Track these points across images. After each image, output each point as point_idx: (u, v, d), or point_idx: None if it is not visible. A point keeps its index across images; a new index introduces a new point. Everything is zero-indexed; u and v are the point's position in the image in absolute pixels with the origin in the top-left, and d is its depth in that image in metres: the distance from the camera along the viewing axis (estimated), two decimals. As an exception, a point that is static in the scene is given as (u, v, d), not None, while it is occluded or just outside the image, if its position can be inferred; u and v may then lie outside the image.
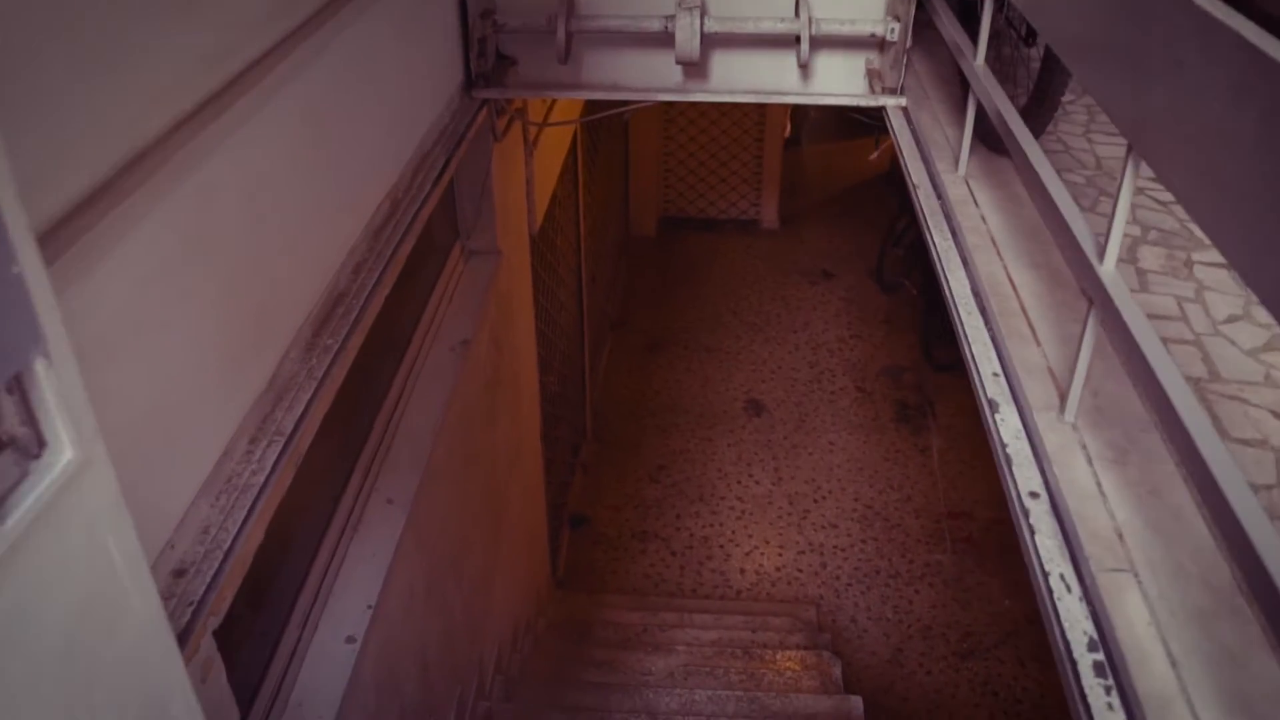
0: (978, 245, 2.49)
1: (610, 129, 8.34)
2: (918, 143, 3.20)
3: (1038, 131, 2.77)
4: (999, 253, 2.48)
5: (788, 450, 7.37)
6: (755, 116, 9.75)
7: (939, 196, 2.79)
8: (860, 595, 6.29)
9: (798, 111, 11.19)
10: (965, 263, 2.49)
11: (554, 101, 4.88)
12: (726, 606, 6.09)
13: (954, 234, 2.61)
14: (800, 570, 6.44)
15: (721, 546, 6.61)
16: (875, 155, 5.84)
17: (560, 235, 6.19)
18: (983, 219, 2.63)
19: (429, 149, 2.99)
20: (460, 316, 3.70)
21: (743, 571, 6.44)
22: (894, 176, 10.74)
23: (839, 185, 11.19)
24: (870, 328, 8.72)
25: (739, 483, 7.08)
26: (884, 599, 6.27)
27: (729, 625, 5.57)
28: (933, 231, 2.65)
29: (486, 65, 3.65)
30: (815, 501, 6.93)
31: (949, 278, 2.45)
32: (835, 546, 6.61)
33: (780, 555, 6.54)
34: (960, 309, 2.34)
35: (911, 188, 2.94)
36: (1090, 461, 1.84)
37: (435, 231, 3.79)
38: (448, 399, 3.33)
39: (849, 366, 8.23)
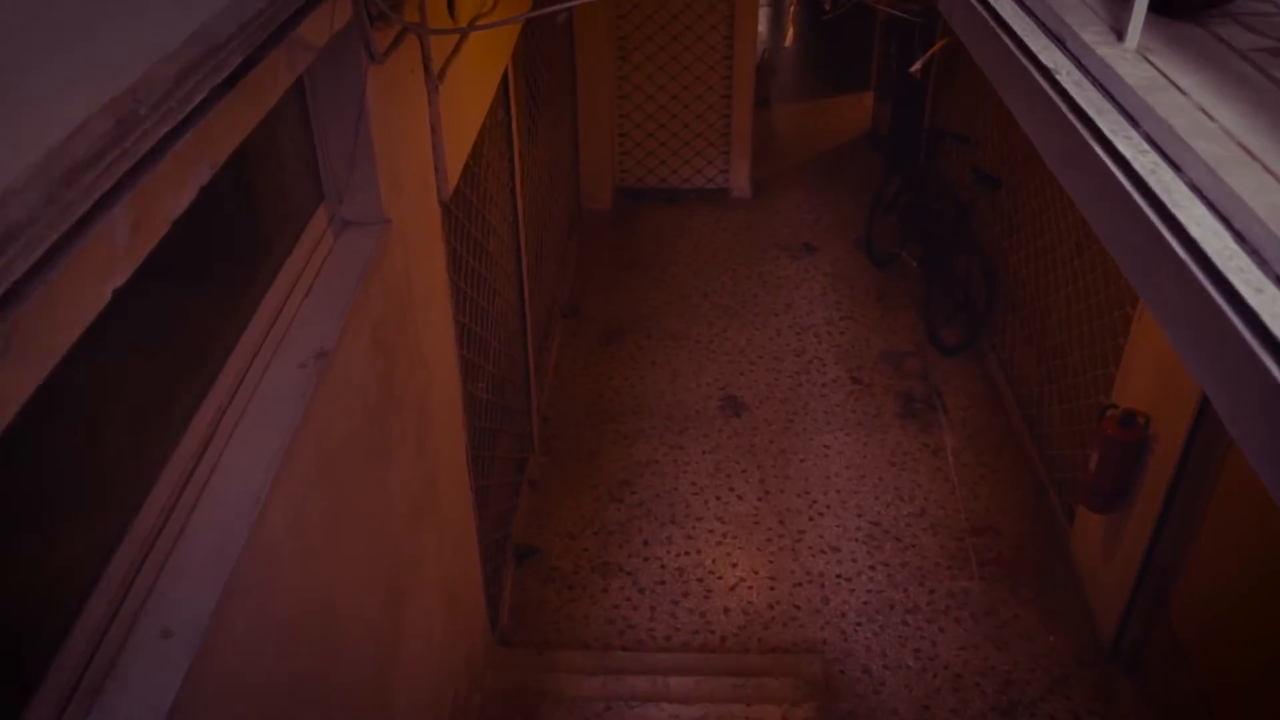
0: (1221, 157, 1.30)
1: (553, 80, 7.10)
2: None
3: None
4: (1266, 167, 1.28)
5: (774, 457, 6.19)
6: (722, 70, 8.53)
7: (1100, 84, 1.59)
8: (873, 637, 5.13)
9: (761, 69, 9.99)
10: (1199, 192, 1.29)
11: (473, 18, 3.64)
12: (710, 662, 4.91)
13: (1156, 144, 1.41)
14: (798, 607, 5.28)
15: (700, 580, 5.43)
16: (917, 67, 4.71)
17: (491, 205, 4.96)
18: (1203, 112, 1.43)
19: (222, 42, 1.75)
20: (319, 317, 2.47)
21: (727, 611, 5.26)
22: (878, 135, 9.57)
23: (815, 148, 10.02)
24: (863, 307, 7.55)
25: (718, 499, 5.90)
26: (902, 640, 5.12)
27: (715, 694, 4.39)
28: (1111, 138, 1.45)
29: (345, -65, 2.43)
30: (811, 520, 5.76)
31: (1177, 217, 1.24)
32: (838, 576, 5.44)
33: (772, 589, 5.37)
34: (1214, 285, 1.14)
35: (1032, 72, 1.73)
36: None
37: (282, 189, 2.55)
38: (288, 442, 2.12)
39: (841, 353, 7.06)
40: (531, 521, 5.75)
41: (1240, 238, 1.17)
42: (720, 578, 5.44)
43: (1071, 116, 1.57)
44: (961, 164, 7.57)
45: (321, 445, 2.36)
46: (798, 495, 5.91)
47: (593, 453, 6.21)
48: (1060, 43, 1.77)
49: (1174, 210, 1.22)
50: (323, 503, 2.38)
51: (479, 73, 4.11)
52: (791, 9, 7.22)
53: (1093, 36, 1.67)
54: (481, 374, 4.73)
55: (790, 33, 7.25)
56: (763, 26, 13.06)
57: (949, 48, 7.90)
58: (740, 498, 5.89)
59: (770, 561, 5.51)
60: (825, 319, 7.42)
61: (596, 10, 7.95)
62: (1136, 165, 1.34)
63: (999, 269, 6.72)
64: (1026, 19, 1.90)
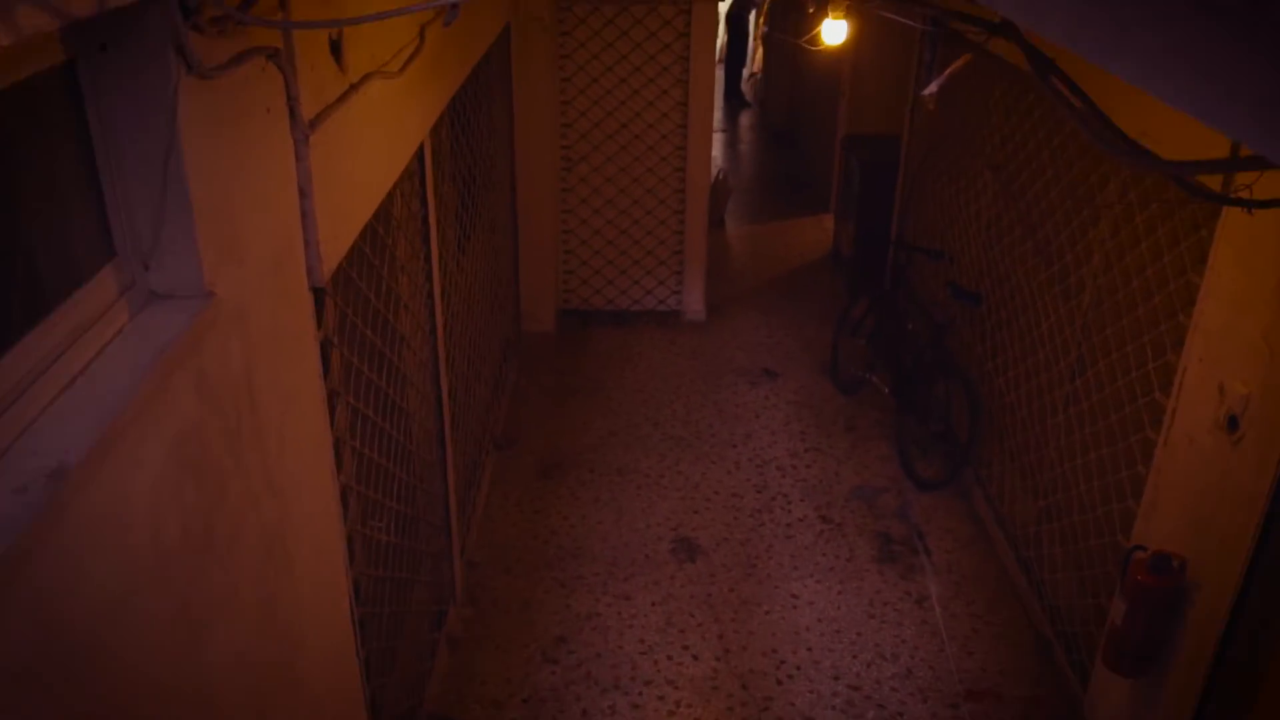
0: None
1: (489, 186, 6.45)
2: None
3: None
4: None
5: (735, 608, 5.34)
6: (674, 184, 7.96)
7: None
8: (858, 832, 4.22)
9: (716, 189, 9.49)
10: None
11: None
12: None
13: None
14: (767, 794, 4.37)
15: (650, 761, 4.51)
16: (933, 90, 4.07)
17: (401, 311, 4.20)
18: None
19: None
20: (69, 418, 1.67)
21: (683, 800, 4.33)
22: (840, 257, 9.03)
23: (773, 271, 9.44)
24: (830, 438, 6.81)
25: (670, 659, 5.01)
26: (893, 837, 4.21)
27: None
28: None
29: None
30: (779, 683, 4.88)
31: None
32: (815, 754, 4.55)
33: (736, 771, 4.46)
34: None
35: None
36: None
37: (38, 237, 1.78)
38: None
39: (808, 489, 6.29)
40: (450, 687, 4.82)
41: None
42: (673, 758, 4.53)
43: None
44: (935, 281, 6.97)
45: (51, 615, 1.52)
46: (763, 654, 5.04)
47: (525, 604, 5.33)
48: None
49: None
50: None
51: (383, 141, 3.40)
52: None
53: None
54: (382, 512, 3.89)
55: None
56: (717, 150, 12.70)
57: (916, 161, 7.40)
58: (696, 657, 5.01)
59: (733, 737, 4.61)
60: (789, 451, 6.66)
61: (538, 113, 7.38)
62: None
63: (982, 393, 6.04)
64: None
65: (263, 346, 2.39)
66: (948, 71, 3.39)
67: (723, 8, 10.81)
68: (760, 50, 6.13)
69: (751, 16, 14.82)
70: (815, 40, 6.60)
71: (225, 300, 2.14)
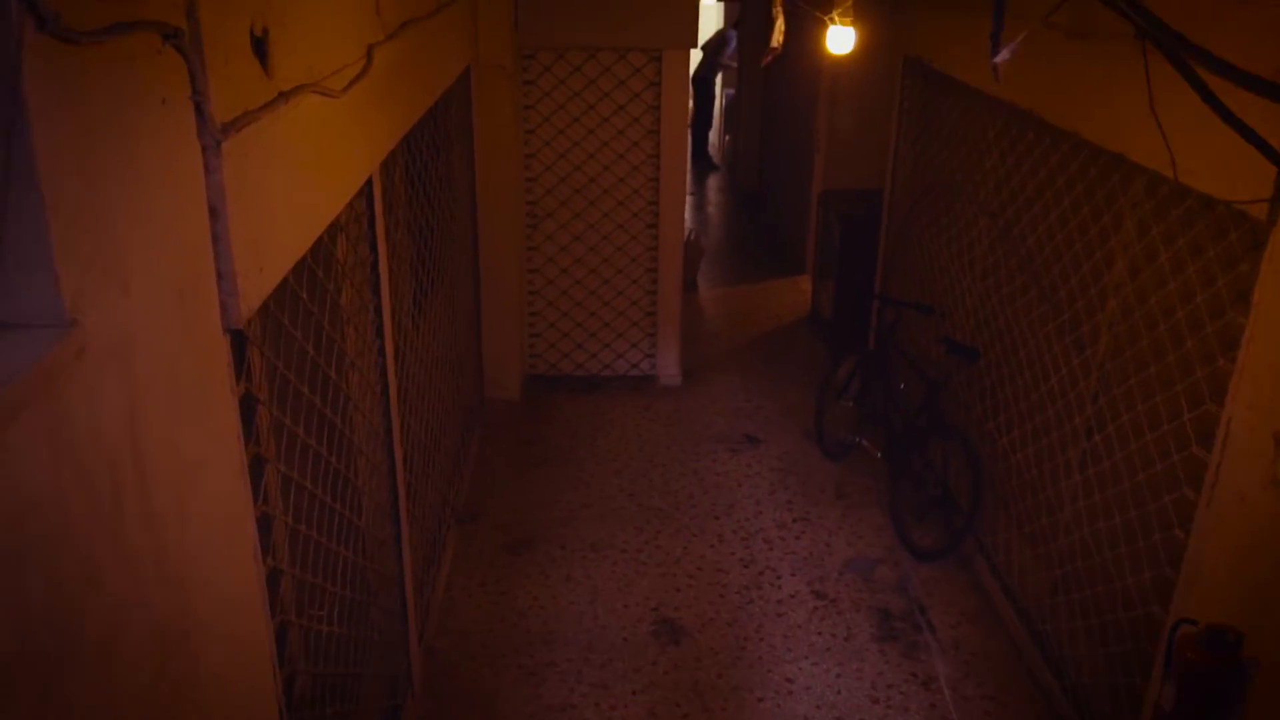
0: None
1: (449, 242, 6.01)
2: None
3: None
4: None
5: (725, 696, 4.82)
6: (646, 242, 7.57)
7: None
8: None
9: (688, 251, 9.12)
10: None
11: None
12: None
13: None
14: None
15: None
16: (1004, 58, 3.64)
17: (347, 367, 3.73)
18: None
19: None
20: None
21: None
22: (820, 319, 8.65)
23: (749, 333, 9.03)
24: (820, 507, 6.34)
25: (655, 757, 4.47)
26: None
27: None
28: None
29: None
30: (778, 783, 4.36)
31: None
32: None
33: None
34: None
35: None
36: None
37: None
38: None
39: (798, 562, 5.80)
40: (405, 797, 4.26)
41: None
42: None
43: None
44: (926, 337, 6.58)
45: None
46: (758, 750, 4.52)
47: (490, 696, 4.77)
48: None
49: None
50: None
51: (321, 167, 2.96)
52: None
53: None
54: (324, 598, 3.38)
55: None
56: (686, 212, 12.37)
57: (901, 213, 7.05)
58: (683, 755, 4.48)
59: None
60: (776, 521, 6.18)
61: (501, 166, 6.98)
62: None
63: (984, 455, 5.61)
64: None
65: (155, 397, 1.91)
66: (1014, 42, 3.00)
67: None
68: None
69: (718, 80, 14.63)
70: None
71: (97, 334, 1.67)
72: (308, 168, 2.83)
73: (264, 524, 2.55)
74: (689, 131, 12.95)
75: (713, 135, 15.23)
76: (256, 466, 2.76)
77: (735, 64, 13.78)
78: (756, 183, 13.06)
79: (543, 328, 7.77)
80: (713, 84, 14.40)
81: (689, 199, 12.62)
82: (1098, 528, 4.38)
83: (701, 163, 14.65)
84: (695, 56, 11.37)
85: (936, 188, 6.44)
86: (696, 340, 8.71)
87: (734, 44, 13.83)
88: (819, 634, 5.21)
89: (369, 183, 3.72)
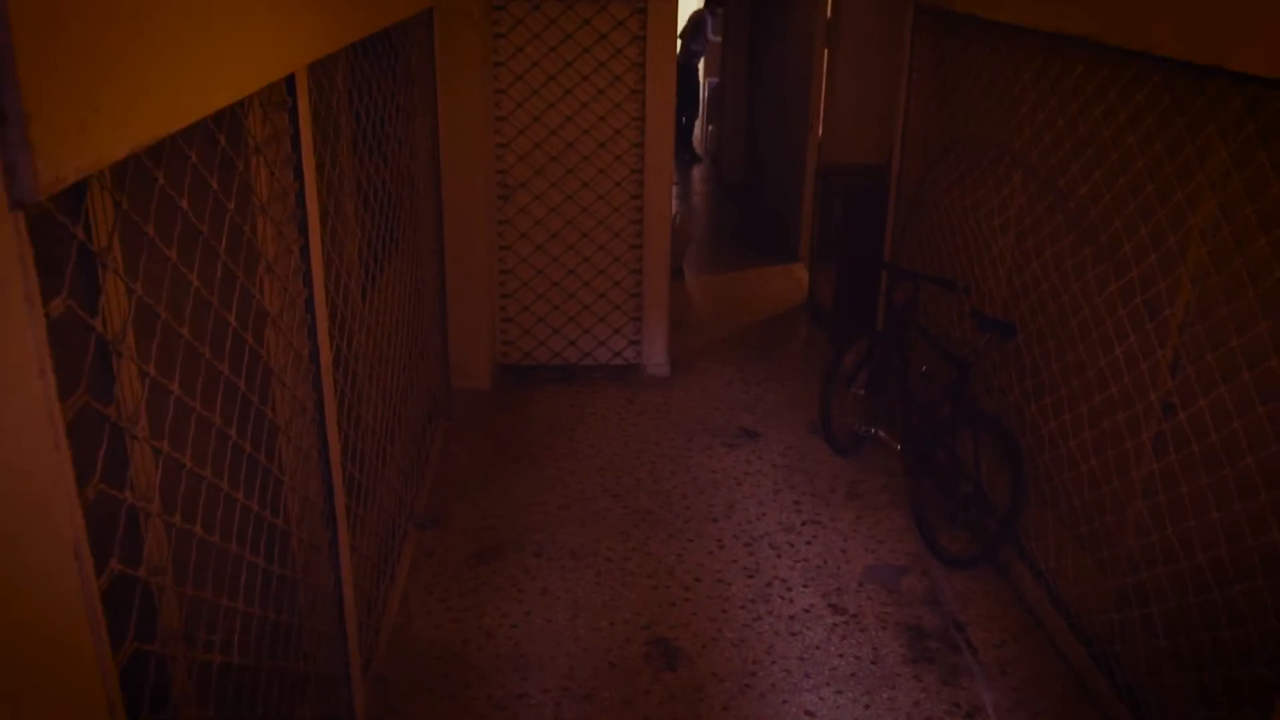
0: None
1: (410, 204, 5.21)
2: None
3: None
4: None
5: (733, 732, 4.03)
6: (630, 214, 6.79)
7: None
8: None
9: (674, 237, 8.36)
10: None
11: None
12: None
13: None
14: None
15: None
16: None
17: (269, 329, 2.94)
18: None
19: None
20: None
21: None
22: (817, 307, 7.91)
23: (741, 321, 8.27)
24: (831, 508, 5.58)
25: (651, 808, 3.68)
26: None
27: None
28: None
29: None
30: (801, 839, 3.57)
31: None
32: None
33: None
34: None
35: None
36: None
37: None
38: None
39: (811, 572, 5.02)
40: None
41: None
42: None
43: None
44: (946, 314, 5.83)
45: None
46: (775, 797, 3.73)
47: (451, 736, 3.97)
48: None
49: None
50: None
51: (210, 14, 2.16)
52: None
53: None
54: (219, 618, 2.57)
55: None
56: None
57: (915, 176, 6.31)
58: (685, 806, 3.69)
59: None
60: (782, 525, 5.41)
61: (468, 130, 6.20)
62: None
63: (1024, 444, 4.86)
64: None
65: None
66: None
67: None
68: None
69: (700, 65, 13.90)
70: None
71: None
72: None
73: (93, 509, 1.74)
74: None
75: (697, 126, 14.50)
76: (116, 436, 1.97)
77: (719, 38, 13.05)
78: (742, 172, 12.34)
79: (516, 311, 6.98)
80: (695, 71, 13.66)
81: (673, 189, 11.89)
82: (1185, 526, 3.62)
83: (685, 154, 13.91)
84: (683, 15, 10.52)
85: (957, 147, 5.71)
86: (684, 330, 7.94)
87: (710, 24, 13.12)
88: (840, 656, 4.43)
89: (292, 83, 2.93)
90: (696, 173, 13.56)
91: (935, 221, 6.04)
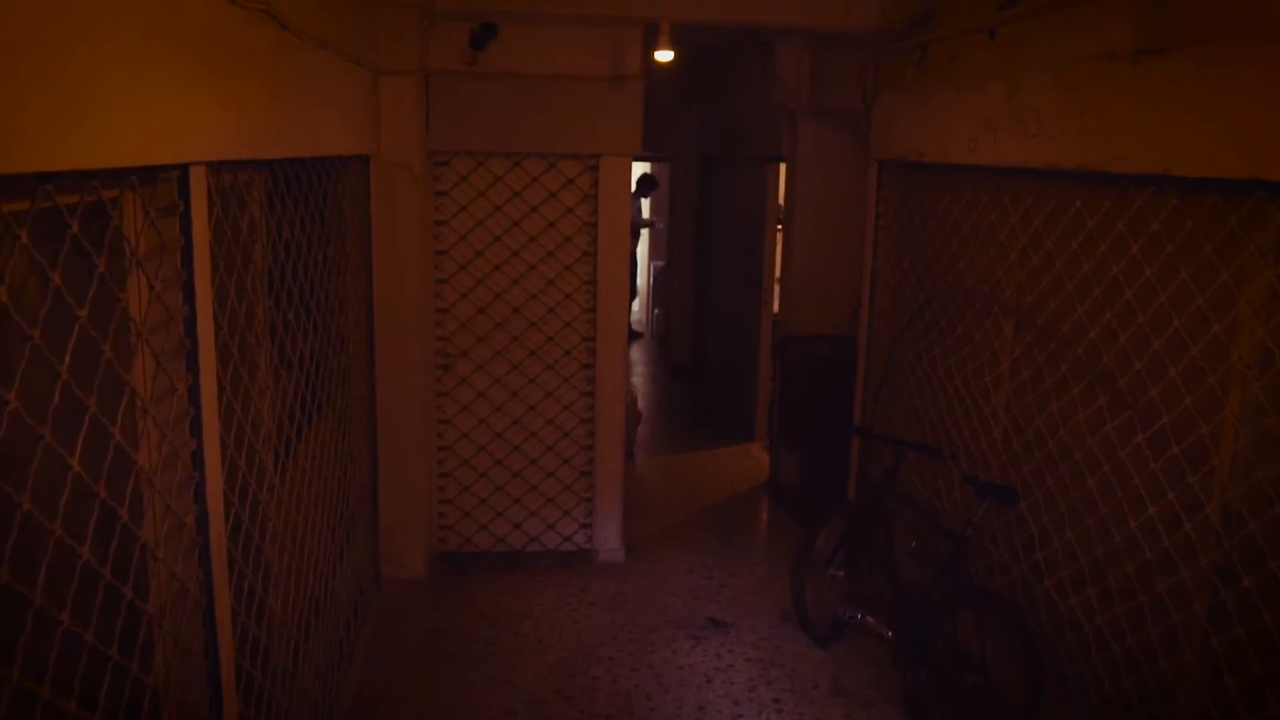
0: None
1: (338, 366, 4.64)
2: None
3: None
4: None
5: None
6: (581, 384, 6.27)
7: None
8: None
9: (627, 421, 7.86)
10: None
11: None
12: None
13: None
14: None
15: None
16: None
17: (144, 486, 2.31)
18: None
19: None
20: None
21: None
22: (780, 486, 7.37)
23: (698, 503, 7.68)
24: (815, 706, 4.87)
25: None
26: None
27: None
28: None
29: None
30: None
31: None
32: None
33: None
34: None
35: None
36: None
37: None
38: None
39: (802, 784, 4.28)
40: None
41: None
42: None
43: None
44: (932, 484, 5.30)
45: None
46: None
47: None
48: None
49: None
50: None
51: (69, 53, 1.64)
52: None
53: None
54: None
55: None
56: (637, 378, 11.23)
57: (887, 341, 5.91)
58: None
59: None
60: (763, 727, 4.68)
61: (405, 291, 5.71)
62: None
63: (1040, 625, 4.25)
64: None
65: None
66: None
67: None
68: None
69: (638, 247, 13.69)
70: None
71: None
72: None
73: None
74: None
75: (636, 305, 14.23)
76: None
77: (660, 225, 12.96)
78: (691, 352, 11.99)
79: (455, 492, 6.32)
80: (634, 250, 13.48)
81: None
82: (1270, 715, 3.02)
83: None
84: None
85: (935, 304, 5.32)
86: (638, 513, 7.32)
87: (637, 208, 13.06)
88: None
89: (185, 181, 2.40)
90: (641, 354, 13.19)
91: (913, 385, 5.59)
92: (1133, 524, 3.67)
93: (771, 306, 9.03)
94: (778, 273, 8.54)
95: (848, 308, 7.45)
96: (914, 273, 5.62)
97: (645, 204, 13.17)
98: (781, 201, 8.44)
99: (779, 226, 8.44)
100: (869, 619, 5.10)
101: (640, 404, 9.96)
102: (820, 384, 6.96)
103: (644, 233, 13.63)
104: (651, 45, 5.86)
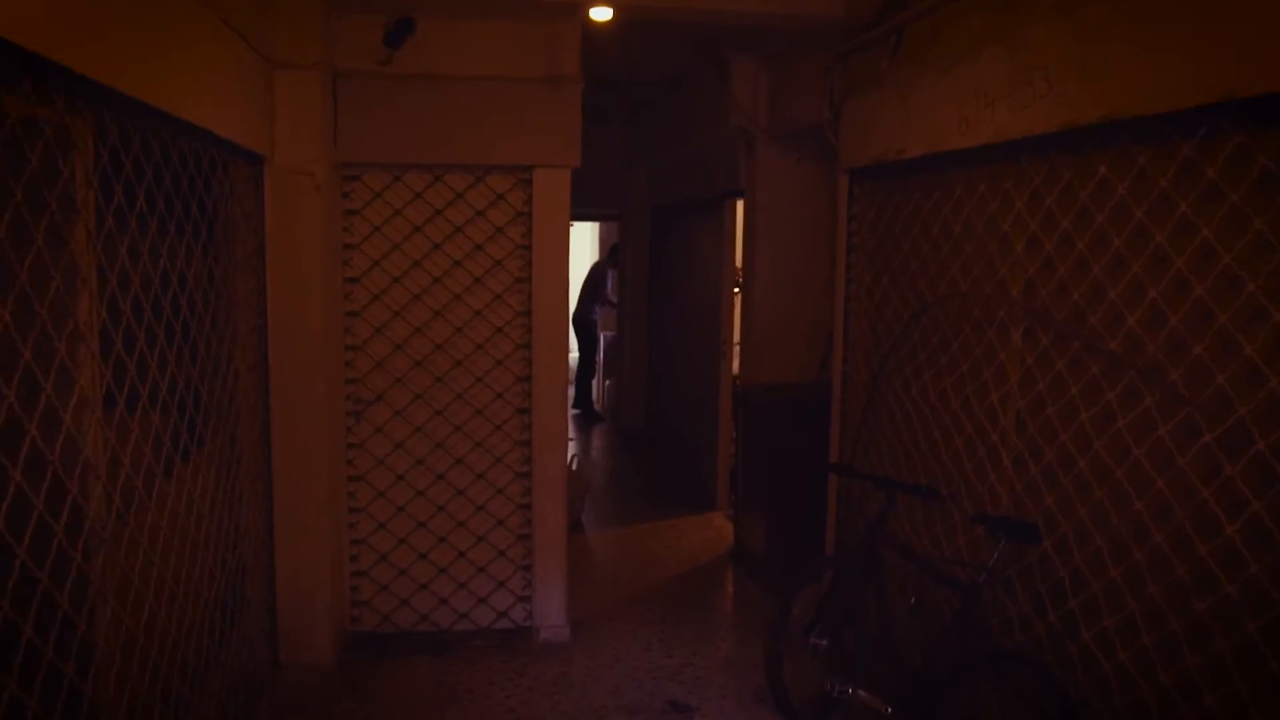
0: None
1: (221, 400, 3.79)
2: None
3: None
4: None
5: None
6: (516, 431, 5.44)
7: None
8: None
9: (570, 484, 7.06)
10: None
11: None
12: None
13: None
14: None
15: None
16: None
17: None
18: None
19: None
20: None
21: None
22: (747, 555, 6.54)
23: (652, 577, 6.79)
24: (805, 803, 3.97)
25: None
26: None
27: None
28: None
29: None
30: None
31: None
32: None
33: None
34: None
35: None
36: None
37: None
38: None
39: None
40: None
41: None
42: None
43: None
44: (929, 527, 4.49)
45: None
46: None
47: None
48: None
49: None
50: None
51: None
52: None
53: None
54: None
55: None
56: (572, 433, 10.39)
57: (860, 379, 5.17)
58: None
59: None
60: (738, 832, 3.77)
61: (308, 323, 4.89)
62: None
63: (1077, 692, 3.42)
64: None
65: None
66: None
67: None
68: None
69: (598, 319, 12.91)
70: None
71: None
72: None
73: None
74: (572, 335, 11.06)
75: (595, 384, 13.42)
76: None
77: (615, 300, 12.22)
78: (644, 422, 11.18)
79: (370, 562, 5.41)
80: (595, 326, 12.71)
81: (570, 443, 10.64)
82: None
83: (586, 413, 12.75)
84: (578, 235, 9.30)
85: (925, 318, 4.59)
86: (587, 587, 6.43)
87: (611, 282, 12.34)
88: None
89: None
90: (597, 430, 12.35)
91: (900, 419, 4.82)
92: (1202, 550, 2.90)
93: (730, 361, 8.31)
94: (737, 326, 7.84)
95: (816, 354, 6.75)
96: (895, 291, 4.89)
97: (613, 277, 12.38)
98: (740, 243, 7.80)
99: (738, 277, 7.76)
100: (861, 693, 4.21)
101: (590, 473, 9.14)
102: (789, 433, 6.18)
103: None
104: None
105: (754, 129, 6.62)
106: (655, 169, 10.25)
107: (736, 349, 7.84)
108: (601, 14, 4.98)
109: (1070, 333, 3.54)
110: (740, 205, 7.51)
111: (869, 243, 5.23)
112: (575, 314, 12.25)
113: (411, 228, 5.22)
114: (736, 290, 7.92)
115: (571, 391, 12.12)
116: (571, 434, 11.45)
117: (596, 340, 12.81)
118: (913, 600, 4.31)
